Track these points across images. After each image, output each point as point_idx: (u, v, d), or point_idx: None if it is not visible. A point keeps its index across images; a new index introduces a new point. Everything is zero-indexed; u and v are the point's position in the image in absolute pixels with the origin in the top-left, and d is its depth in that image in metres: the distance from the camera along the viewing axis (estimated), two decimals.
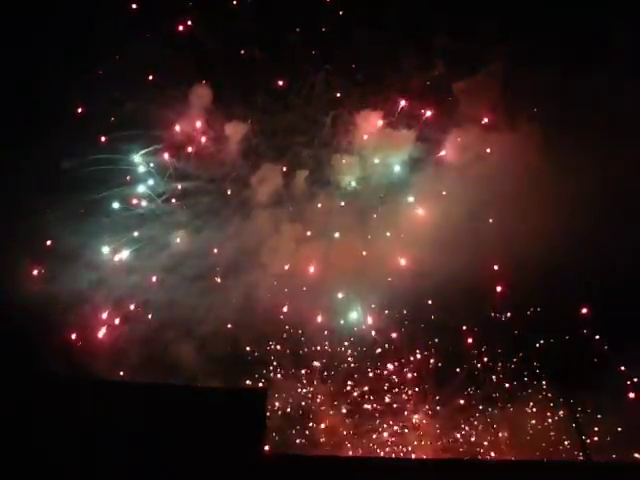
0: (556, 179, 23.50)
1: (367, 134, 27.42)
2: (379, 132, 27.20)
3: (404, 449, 21.91)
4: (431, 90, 26.82)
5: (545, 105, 24.86)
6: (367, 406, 24.95)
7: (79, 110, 27.10)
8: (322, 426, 24.39)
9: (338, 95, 27.83)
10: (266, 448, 13.85)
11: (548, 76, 23.97)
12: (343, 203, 27.68)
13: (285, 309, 26.91)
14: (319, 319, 26.55)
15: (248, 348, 26.78)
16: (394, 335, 26.09)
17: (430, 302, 25.52)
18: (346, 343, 26.49)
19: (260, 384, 25.34)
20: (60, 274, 26.88)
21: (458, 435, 22.90)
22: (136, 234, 28.67)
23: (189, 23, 27.48)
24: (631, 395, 21.07)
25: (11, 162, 25.04)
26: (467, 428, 23.21)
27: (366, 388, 25.39)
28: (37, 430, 11.91)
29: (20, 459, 11.59)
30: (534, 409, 22.88)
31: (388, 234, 26.89)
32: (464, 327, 25.12)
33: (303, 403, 25.07)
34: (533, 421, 22.49)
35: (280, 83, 28.05)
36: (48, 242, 27.32)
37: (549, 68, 24.02)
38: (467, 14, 25.00)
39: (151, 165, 28.86)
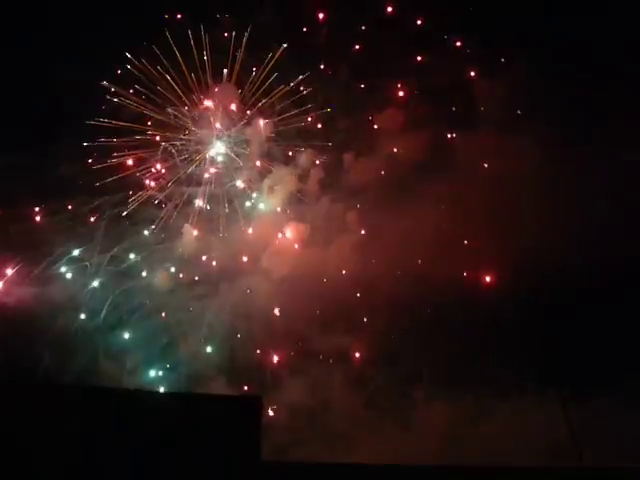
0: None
1: (383, 135, 26.88)
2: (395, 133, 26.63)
3: (403, 454, 20.66)
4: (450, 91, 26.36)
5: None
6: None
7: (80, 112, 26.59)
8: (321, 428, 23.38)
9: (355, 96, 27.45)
10: (263, 455, 12.38)
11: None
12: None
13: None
14: None
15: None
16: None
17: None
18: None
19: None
20: (58, 276, 26.37)
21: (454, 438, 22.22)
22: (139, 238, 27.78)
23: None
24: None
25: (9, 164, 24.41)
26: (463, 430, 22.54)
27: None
28: (31, 437, 11.20)
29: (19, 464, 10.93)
30: (529, 412, 22.06)
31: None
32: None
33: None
34: (528, 424, 21.61)
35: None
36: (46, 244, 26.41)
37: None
38: (487, 15, 24.76)
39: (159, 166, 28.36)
